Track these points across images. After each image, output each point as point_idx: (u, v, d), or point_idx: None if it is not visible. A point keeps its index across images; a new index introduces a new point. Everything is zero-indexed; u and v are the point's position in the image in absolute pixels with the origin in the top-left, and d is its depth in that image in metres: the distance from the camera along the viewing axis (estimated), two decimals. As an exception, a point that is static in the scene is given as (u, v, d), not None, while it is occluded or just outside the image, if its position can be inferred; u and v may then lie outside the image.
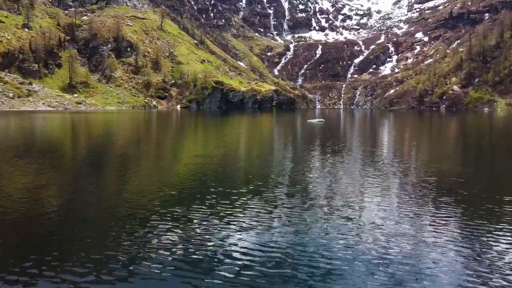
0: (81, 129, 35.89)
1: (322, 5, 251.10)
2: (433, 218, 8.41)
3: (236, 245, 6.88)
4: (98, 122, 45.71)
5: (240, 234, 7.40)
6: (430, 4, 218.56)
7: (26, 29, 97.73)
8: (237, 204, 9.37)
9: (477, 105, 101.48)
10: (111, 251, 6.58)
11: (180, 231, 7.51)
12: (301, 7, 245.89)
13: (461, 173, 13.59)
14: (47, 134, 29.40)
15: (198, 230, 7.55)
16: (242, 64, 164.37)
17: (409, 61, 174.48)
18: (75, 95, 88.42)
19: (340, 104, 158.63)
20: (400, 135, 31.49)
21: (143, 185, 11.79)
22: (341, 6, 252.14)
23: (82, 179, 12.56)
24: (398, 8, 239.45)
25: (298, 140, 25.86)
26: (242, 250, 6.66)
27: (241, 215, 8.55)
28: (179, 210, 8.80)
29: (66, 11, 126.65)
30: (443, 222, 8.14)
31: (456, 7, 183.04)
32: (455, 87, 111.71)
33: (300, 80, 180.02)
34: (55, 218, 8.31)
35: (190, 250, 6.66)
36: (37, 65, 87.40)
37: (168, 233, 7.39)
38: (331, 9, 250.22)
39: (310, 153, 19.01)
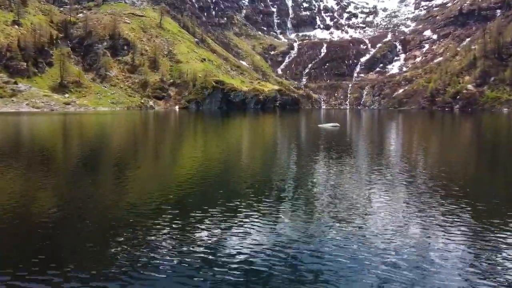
0: (56, 134, 30.43)
1: (327, 3, 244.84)
2: (445, 227, 7.87)
3: (239, 252, 6.63)
4: (79, 125, 40.29)
5: (242, 241, 7.12)
6: (438, 1, 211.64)
7: (16, 26, 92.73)
8: (239, 211, 8.89)
9: (495, 105, 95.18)
10: (110, 257, 6.41)
11: (179, 237, 7.27)
12: (305, 5, 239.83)
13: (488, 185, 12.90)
14: None
15: (198, 237, 7.28)
16: (244, 63, 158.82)
17: (418, 59, 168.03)
18: (66, 95, 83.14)
19: (347, 104, 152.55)
20: (433, 144, 25.84)
21: (139, 194, 10.82)
22: (346, 4, 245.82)
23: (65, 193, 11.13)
24: (405, 5, 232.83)
25: (316, 157, 20.06)
26: (245, 256, 6.46)
27: (244, 222, 8.14)
28: (178, 217, 8.47)
29: (61, 8, 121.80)
30: (455, 231, 7.64)
31: (466, 4, 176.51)
32: (470, 86, 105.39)
33: (304, 80, 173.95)
34: (51, 225, 7.98)
35: (190, 255, 6.46)
36: (25, 64, 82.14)
37: (169, 241, 7.06)
38: (336, 7, 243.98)
39: (340, 177, 13.42)
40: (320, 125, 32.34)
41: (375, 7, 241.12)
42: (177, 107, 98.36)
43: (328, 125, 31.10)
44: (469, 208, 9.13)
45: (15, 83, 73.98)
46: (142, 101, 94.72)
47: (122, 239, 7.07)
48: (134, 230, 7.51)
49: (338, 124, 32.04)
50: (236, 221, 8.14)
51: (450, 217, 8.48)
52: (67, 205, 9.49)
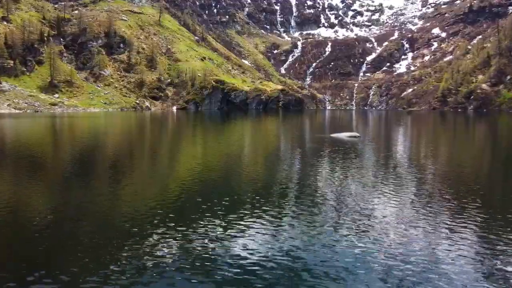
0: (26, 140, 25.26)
1: (331, 1, 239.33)
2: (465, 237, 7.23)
3: (239, 255, 6.44)
4: (52, 131, 35.18)
5: (242, 245, 6.83)
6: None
7: (5, 22, 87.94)
8: (239, 219, 8.24)
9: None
10: (108, 259, 6.24)
11: (179, 241, 7.01)
12: (309, 3, 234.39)
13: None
14: None
15: (197, 240, 7.03)
16: (246, 62, 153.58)
17: (426, 58, 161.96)
18: (56, 95, 78.19)
19: (352, 104, 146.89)
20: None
21: (137, 199, 10.29)
22: (351, 1, 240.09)
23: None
24: (411, 3, 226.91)
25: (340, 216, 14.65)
26: (246, 260, 6.25)
27: (245, 231, 7.59)
28: (177, 222, 8.05)
29: (56, 5, 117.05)
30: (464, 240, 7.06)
31: (476, 1, 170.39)
32: (484, 86, 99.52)
33: (308, 79, 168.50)
34: (50, 230, 7.72)
35: (190, 258, 6.33)
36: (12, 62, 77.26)
37: (168, 244, 6.84)
38: (340, 5, 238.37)
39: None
40: (333, 135, 26.10)
41: (381, 5, 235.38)
42: (174, 108, 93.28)
43: (344, 135, 24.77)
44: (487, 216, 8.52)
45: (-1, 82, 69.24)
46: (137, 101, 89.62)
47: (121, 241, 6.94)
48: (133, 232, 7.37)
49: (358, 134, 25.65)
50: (236, 228, 7.70)
51: (470, 227, 7.80)
52: (65, 209, 9.32)
